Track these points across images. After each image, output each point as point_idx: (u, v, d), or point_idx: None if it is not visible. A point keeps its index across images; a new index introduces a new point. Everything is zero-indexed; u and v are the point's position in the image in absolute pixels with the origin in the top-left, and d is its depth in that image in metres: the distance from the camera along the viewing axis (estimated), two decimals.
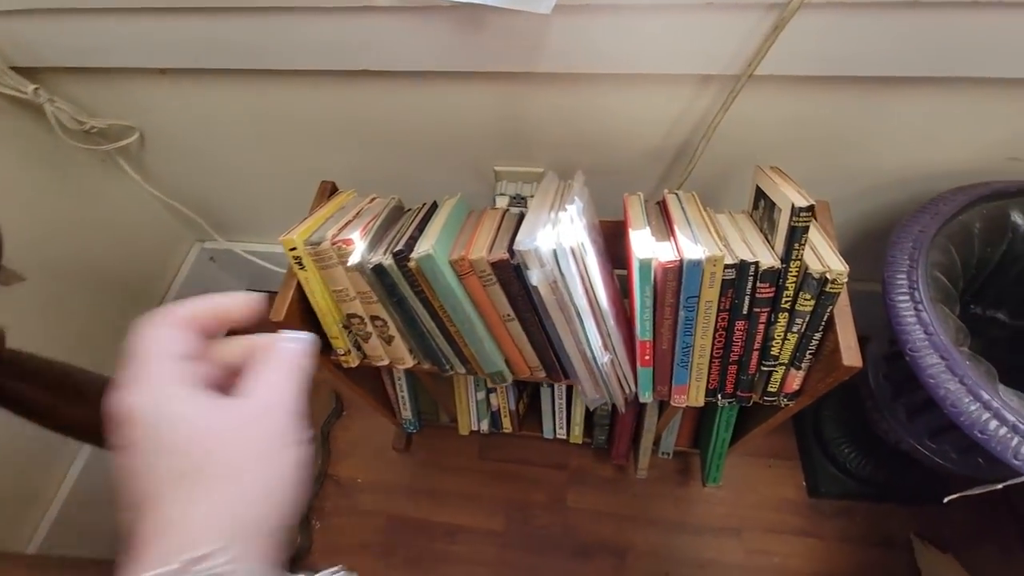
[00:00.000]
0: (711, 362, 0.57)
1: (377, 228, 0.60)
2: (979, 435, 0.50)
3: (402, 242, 0.57)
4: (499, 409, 0.92)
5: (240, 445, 0.22)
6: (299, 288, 0.61)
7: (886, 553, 0.90)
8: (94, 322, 0.89)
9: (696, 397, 0.60)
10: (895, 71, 0.56)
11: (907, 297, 0.56)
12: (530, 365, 0.66)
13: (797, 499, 0.96)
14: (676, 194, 0.61)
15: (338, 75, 0.66)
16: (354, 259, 0.56)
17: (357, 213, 0.64)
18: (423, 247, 0.55)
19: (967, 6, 0.49)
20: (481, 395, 0.91)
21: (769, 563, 0.91)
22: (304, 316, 0.62)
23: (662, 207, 0.60)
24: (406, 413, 0.93)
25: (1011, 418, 0.49)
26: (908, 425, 0.70)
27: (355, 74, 0.66)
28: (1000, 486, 0.52)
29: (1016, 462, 0.49)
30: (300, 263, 0.59)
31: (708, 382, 0.59)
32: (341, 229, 0.60)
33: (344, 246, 0.57)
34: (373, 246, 0.59)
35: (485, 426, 0.95)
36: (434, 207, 0.66)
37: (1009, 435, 0.49)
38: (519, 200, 0.80)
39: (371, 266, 0.56)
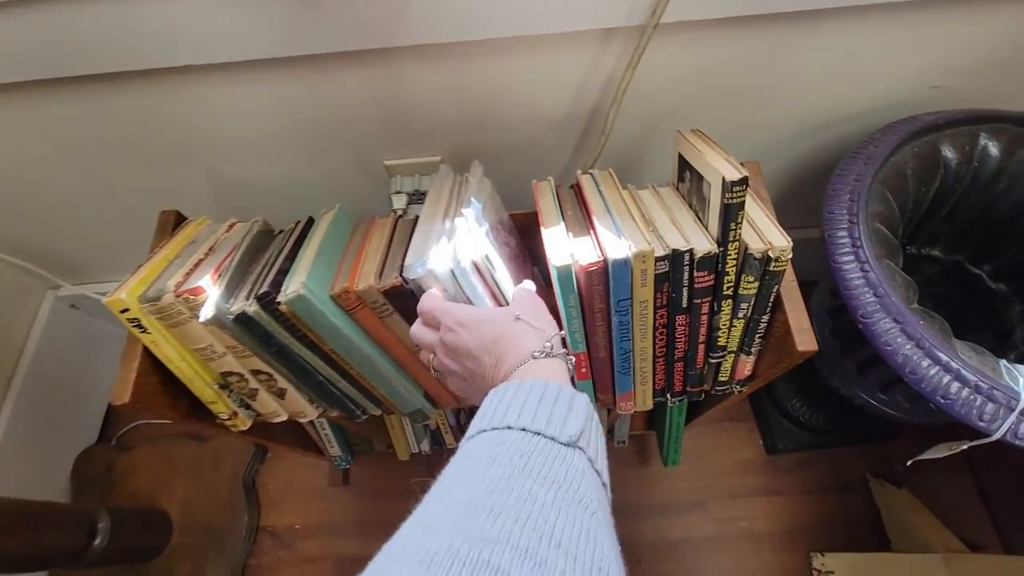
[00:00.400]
0: (655, 362, 0.51)
1: (236, 265, 0.48)
2: (942, 400, 0.46)
3: (268, 280, 0.45)
4: (438, 427, 0.83)
5: (532, 304, 0.40)
6: (149, 354, 0.48)
7: (846, 496, 0.90)
8: None
9: (644, 401, 0.54)
10: (807, 4, 0.49)
11: (852, 256, 0.51)
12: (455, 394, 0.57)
13: (756, 458, 0.94)
14: (591, 174, 0.52)
15: (159, 75, 0.52)
16: (207, 312, 0.45)
17: (211, 248, 0.51)
18: (293, 285, 0.44)
19: None
20: None
21: (737, 529, 0.89)
22: (164, 385, 0.50)
23: (577, 192, 0.52)
24: (334, 450, 0.82)
25: (972, 378, 0.45)
26: (859, 380, 0.68)
27: (179, 71, 0.52)
28: (965, 446, 0.49)
29: (981, 424, 0.45)
30: (140, 326, 0.46)
31: (654, 383, 0.53)
32: (188, 274, 0.48)
33: (193, 296, 0.45)
34: (232, 289, 0.47)
35: (426, 446, 0.86)
36: (310, 224, 0.55)
37: (972, 396, 0.45)
38: (419, 197, 0.69)
39: (231, 318, 0.45)
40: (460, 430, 0.86)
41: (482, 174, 0.53)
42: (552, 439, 0.26)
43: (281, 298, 0.43)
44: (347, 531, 0.92)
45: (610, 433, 0.84)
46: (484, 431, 0.27)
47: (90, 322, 0.98)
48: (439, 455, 0.90)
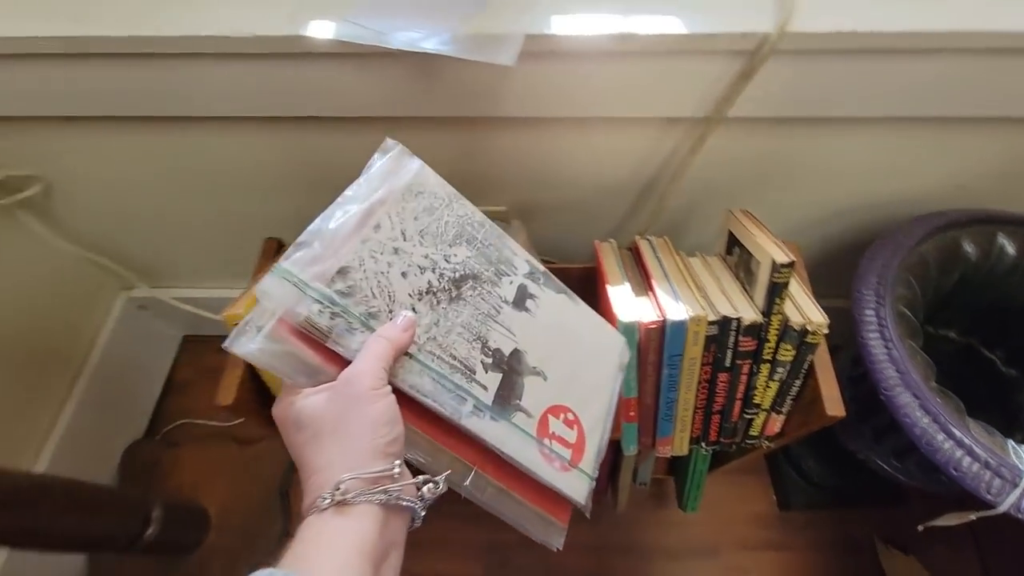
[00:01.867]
0: (695, 413, 0.56)
1: None
2: (954, 472, 0.51)
3: None
4: None
5: (335, 410, 0.29)
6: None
7: (853, 558, 0.93)
8: None
9: (680, 447, 0.59)
10: (856, 112, 0.57)
11: (878, 335, 0.57)
12: None
13: (769, 513, 0.97)
14: (648, 240, 0.59)
15: (282, 121, 0.60)
16: None
17: None
18: None
19: (919, 53, 0.50)
20: None
21: None
22: (259, 393, 0.56)
23: (635, 255, 0.59)
24: None
25: (983, 455, 0.50)
26: (874, 445, 0.72)
27: (301, 120, 0.60)
28: (974, 516, 0.54)
29: (988, 496, 0.50)
30: None
31: (692, 431, 0.58)
32: None
33: None
34: None
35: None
36: None
37: (982, 471, 0.50)
38: None
39: None
40: None
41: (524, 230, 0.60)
42: None
43: None
44: None
45: (634, 474, 0.89)
46: None
47: (153, 323, 1.05)
48: None
